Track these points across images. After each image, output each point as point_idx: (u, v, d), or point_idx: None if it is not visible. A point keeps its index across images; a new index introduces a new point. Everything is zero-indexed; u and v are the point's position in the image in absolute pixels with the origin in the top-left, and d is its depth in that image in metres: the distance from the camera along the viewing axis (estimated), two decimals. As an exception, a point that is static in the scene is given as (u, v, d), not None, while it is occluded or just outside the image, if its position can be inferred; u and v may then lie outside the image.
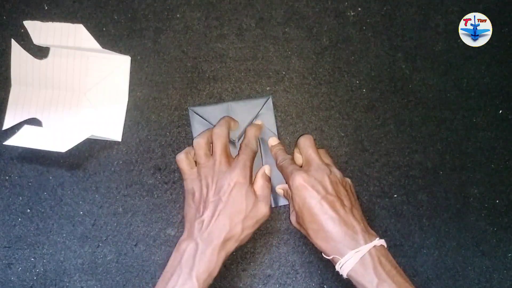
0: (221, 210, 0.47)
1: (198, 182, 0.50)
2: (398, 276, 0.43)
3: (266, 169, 0.53)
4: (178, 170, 0.56)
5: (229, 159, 0.51)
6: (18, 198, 0.56)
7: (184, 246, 0.46)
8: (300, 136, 0.53)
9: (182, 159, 0.51)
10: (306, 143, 0.52)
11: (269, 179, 0.53)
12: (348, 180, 0.51)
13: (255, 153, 0.52)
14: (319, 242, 0.46)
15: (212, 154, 0.51)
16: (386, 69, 0.59)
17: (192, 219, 0.49)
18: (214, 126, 0.53)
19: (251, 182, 0.50)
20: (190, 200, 0.50)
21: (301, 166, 0.51)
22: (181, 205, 0.56)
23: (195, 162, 0.52)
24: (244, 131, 0.55)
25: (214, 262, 0.46)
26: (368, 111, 0.58)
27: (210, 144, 0.52)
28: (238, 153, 0.51)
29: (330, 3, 0.59)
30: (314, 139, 0.52)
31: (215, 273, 0.46)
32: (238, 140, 0.56)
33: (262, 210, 0.49)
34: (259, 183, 0.51)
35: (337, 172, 0.49)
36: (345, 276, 0.44)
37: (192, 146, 0.52)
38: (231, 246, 0.47)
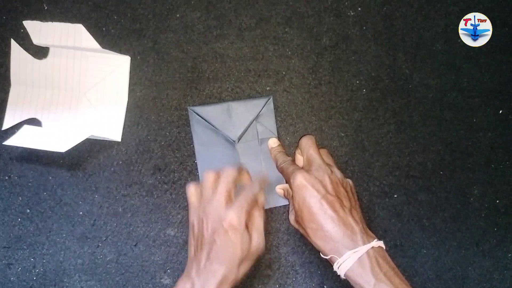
0: (215, 254, 0.46)
1: (197, 217, 0.49)
2: (395, 277, 0.43)
3: (260, 198, 0.51)
4: (177, 170, 0.56)
5: (229, 199, 0.48)
6: (18, 198, 0.56)
7: (182, 285, 0.45)
8: (302, 137, 0.53)
9: (193, 192, 0.51)
10: (307, 143, 0.52)
11: (262, 208, 0.51)
12: (349, 181, 0.51)
13: (255, 199, 0.49)
14: (318, 241, 0.46)
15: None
16: (386, 69, 0.59)
17: (192, 257, 0.48)
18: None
19: (247, 225, 0.48)
20: (191, 234, 0.49)
21: (302, 167, 0.51)
22: (181, 205, 0.56)
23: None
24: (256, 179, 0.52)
25: None
26: (368, 111, 0.58)
27: (219, 179, 0.50)
28: (239, 194, 0.49)
29: (330, 3, 0.59)
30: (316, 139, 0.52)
31: None
32: (238, 141, 0.56)
33: (257, 246, 0.48)
34: (255, 215, 0.49)
35: (338, 173, 0.49)
36: (342, 276, 0.44)
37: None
38: (228, 286, 0.46)
